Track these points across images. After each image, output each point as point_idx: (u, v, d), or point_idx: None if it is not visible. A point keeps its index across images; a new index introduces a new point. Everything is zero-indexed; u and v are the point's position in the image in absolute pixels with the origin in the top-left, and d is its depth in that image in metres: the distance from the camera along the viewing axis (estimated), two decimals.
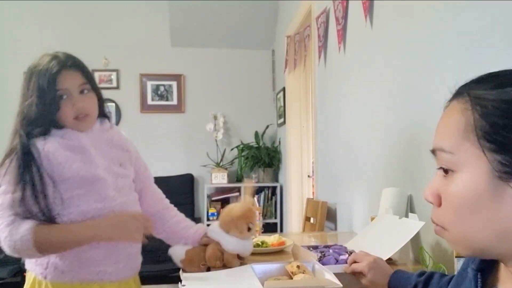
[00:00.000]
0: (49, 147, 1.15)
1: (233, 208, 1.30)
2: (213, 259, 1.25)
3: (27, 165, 1.12)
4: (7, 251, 1.09)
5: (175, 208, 1.44)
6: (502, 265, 0.54)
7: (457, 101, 0.53)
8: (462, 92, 0.53)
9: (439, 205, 0.55)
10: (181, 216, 1.42)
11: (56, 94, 1.16)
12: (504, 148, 0.47)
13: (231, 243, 1.25)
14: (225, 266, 1.26)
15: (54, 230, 1.11)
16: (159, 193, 1.44)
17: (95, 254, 1.17)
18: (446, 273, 0.90)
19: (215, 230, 1.30)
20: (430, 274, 0.88)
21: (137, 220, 1.14)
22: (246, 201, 1.30)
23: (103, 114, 1.31)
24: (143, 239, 1.17)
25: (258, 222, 1.82)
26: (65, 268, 1.17)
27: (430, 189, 0.56)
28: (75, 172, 1.15)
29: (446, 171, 0.53)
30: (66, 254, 1.16)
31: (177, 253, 1.32)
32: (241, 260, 1.29)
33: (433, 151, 0.55)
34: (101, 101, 1.30)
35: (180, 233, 1.37)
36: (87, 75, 1.25)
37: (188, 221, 1.41)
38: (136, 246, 1.28)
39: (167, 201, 1.45)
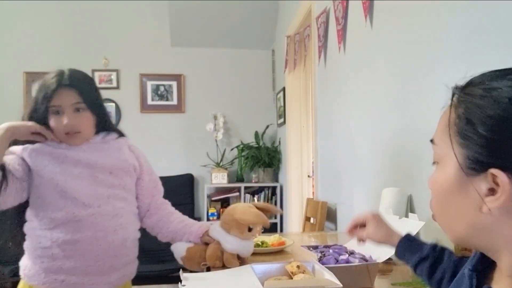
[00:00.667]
0: (31, 147, 1.25)
1: (235, 207, 1.29)
2: (213, 258, 1.25)
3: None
4: None
5: (179, 212, 1.46)
6: (497, 265, 0.55)
7: (455, 99, 0.55)
8: (458, 89, 0.55)
9: None
10: (185, 217, 1.44)
11: (48, 110, 1.24)
12: (470, 144, 0.49)
13: (231, 242, 1.25)
14: (224, 266, 1.26)
15: None
16: (165, 202, 1.47)
17: (62, 263, 1.22)
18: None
19: (216, 229, 1.30)
20: (441, 250, 0.85)
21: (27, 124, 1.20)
22: (251, 204, 1.29)
23: (110, 129, 1.36)
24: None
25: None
26: (35, 272, 1.24)
27: (430, 178, 0.59)
28: (49, 174, 1.23)
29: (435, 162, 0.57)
30: (37, 259, 1.23)
31: (179, 249, 1.32)
32: (240, 261, 1.29)
33: (431, 141, 0.59)
34: (104, 117, 1.34)
35: (182, 230, 1.38)
36: (85, 95, 1.27)
37: (191, 220, 1.42)
38: (110, 263, 1.28)
39: (172, 208, 1.48)
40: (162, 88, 4.27)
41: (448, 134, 0.52)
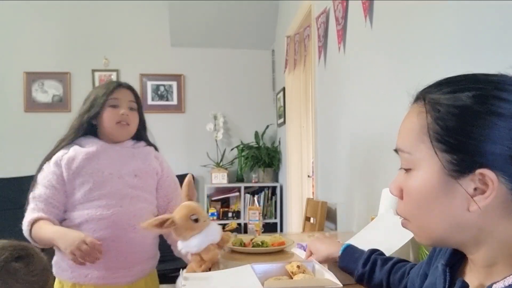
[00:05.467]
0: (68, 156, 1.38)
1: (172, 218, 1.23)
2: (198, 266, 1.21)
3: (46, 172, 1.38)
4: None
5: None
6: (469, 258, 0.58)
7: (416, 104, 0.57)
8: (420, 96, 0.57)
9: (402, 198, 0.60)
10: None
11: (106, 103, 1.41)
12: (453, 148, 0.51)
13: (195, 244, 1.21)
14: (220, 264, 1.26)
15: (39, 227, 1.29)
16: None
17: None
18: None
19: (179, 246, 1.25)
20: (372, 264, 0.93)
21: (82, 245, 1.20)
22: (179, 206, 1.25)
23: (142, 138, 1.53)
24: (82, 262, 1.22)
25: (258, 221, 1.82)
26: (64, 268, 1.37)
27: (393, 184, 0.62)
28: (82, 176, 1.37)
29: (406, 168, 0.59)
30: (65, 256, 1.32)
31: (179, 284, 1.29)
32: (221, 247, 1.27)
33: (396, 151, 0.61)
34: (143, 127, 1.52)
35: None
36: (137, 98, 1.49)
37: None
38: (130, 259, 1.39)
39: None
40: (162, 88, 4.27)
41: (423, 140, 0.54)
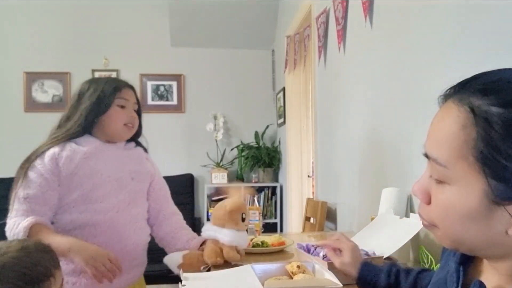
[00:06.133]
0: (65, 155, 1.28)
1: (225, 202, 1.33)
2: (213, 256, 1.24)
3: (41, 170, 1.26)
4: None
5: (189, 228, 1.50)
6: (487, 260, 0.56)
7: (456, 108, 0.50)
8: (461, 97, 0.50)
9: (428, 203, 0.54)
10: (193, 234, 1.46)
11: (113, 102, 1.34)
12: (502, 175, 0.46)
13: (228, 235, 1.27)
14: (226, 262, 1.26)
15: (42, 234, 1.18)
16: (176, 213, 1.51)
17: (75, 266, 1.24)
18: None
19: (209, 228, 1.32)
20: (396, 275, 0.90)
21: (107, 262, 1.16)
22: (237, 196, 1.33)
23: (133, 140, 1.47)
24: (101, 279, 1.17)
25: (258, 221, 1.82)
26: None
27: (420, 187, 0.55)
28: (79, 178, 1.27)
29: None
30: None
31: (173, 259, 1.31)
32: (238, 254, 1.30)
33: (426, 156, 0.54)
34: (140, 129, 1.47)
35: (185, 247, 1.42)
36: (138, 101, 1.44)
37: (199, 237, 1.44)
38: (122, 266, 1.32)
39: (182, 221, 1.51)
40: (162, 88, 4.27)
41: (465, 157, 0.48)
